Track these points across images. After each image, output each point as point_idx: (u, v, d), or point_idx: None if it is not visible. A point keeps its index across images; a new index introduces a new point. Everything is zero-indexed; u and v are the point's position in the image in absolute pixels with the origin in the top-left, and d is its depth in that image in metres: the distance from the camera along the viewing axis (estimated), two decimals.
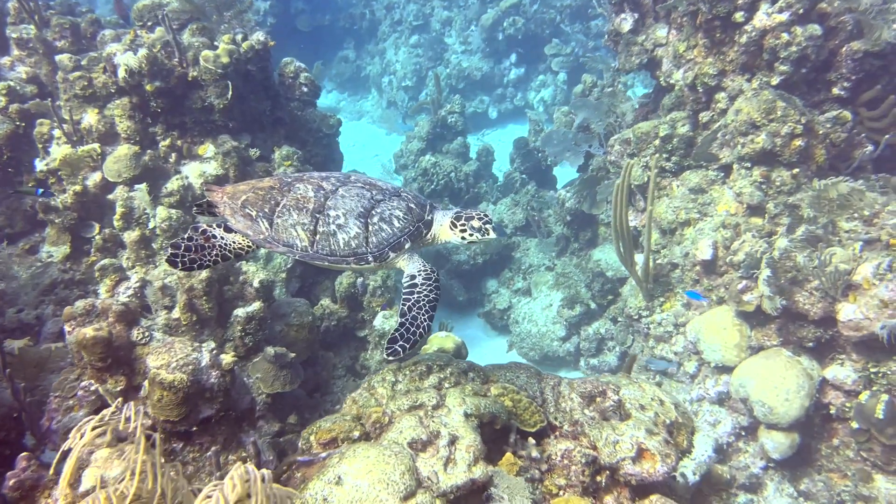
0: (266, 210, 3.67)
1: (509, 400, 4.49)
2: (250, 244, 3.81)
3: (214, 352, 4.58)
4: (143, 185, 6.50)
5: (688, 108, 8.66)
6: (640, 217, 9.22)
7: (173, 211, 6.70)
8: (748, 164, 7.86)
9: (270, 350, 5.98)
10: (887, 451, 6.49)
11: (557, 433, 4.65)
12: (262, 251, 6.83)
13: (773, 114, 7.60)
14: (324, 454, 3.98)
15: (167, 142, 7.48)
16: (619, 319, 9.24)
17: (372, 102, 23.63)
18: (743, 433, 7.56)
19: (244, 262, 6.61)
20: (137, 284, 6.06)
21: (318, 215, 3.62)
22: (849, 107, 7.99)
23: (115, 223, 6.59)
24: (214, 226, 3.88)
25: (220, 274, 6.10)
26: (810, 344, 6.93)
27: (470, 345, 8.75)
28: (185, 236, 3.81)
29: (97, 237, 6.72)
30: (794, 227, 7.33)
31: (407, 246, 3.74)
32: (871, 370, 6.59)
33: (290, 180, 3.81)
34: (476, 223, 3.83)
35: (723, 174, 8.37)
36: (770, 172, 7.78)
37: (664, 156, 8.64)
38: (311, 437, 4.11)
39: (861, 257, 6.68)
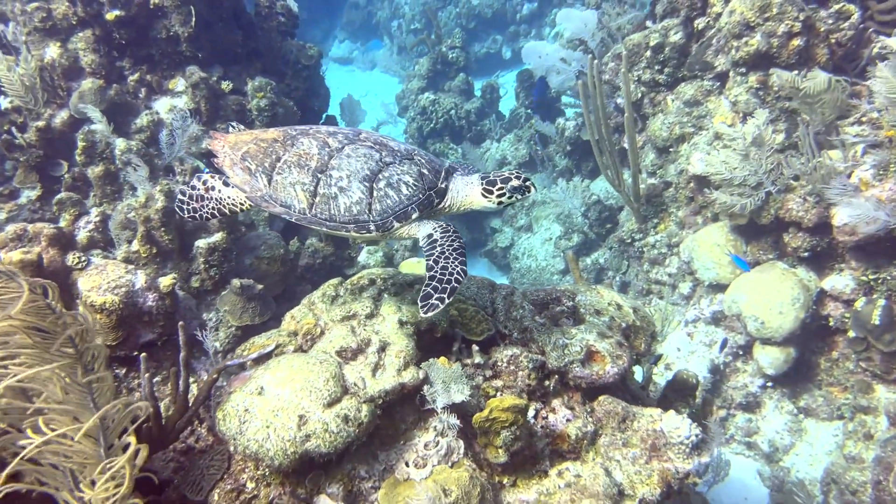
0: (266, 165, 3.43)
1: (454, 309, 4.32)
2: (244, 201, 3.57)
3: (151, 275, 4.47)
4: (97, 113, 6.34)
5: (682, 14, 8.11)
6: (638, 137, 8.79)
7: (132, 142, 6.58)
8: (743, 70, 7.34)
9: (237, 282, 5.88)
10: (886, 358, 6.13)
11: (507, 341, 4.47)
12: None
13: (768, 11, 7.03)
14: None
15: (136, 76, 7.34)
16: (612, 246, 8.91)
17: (385, 50, 23.10)
18: (740, 352, 7.26)
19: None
20: (98, 218, 6.00)
21: (319, 175, 3.35)
22: (856, 0, 7.35)
23: (77, 158, 6.51)
24: (217, 177, 3.66)
25: None
26: (805, 254, 6.53)
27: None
28: (190, 184, 3.69)
29: (66, 175, 6.66)
30: (793, 132, 6.85)
31: (414, 216, 3.41)
32: (871, 277, 6.18)
33: (295, 133, 3.54)
34: (515, 182, 3.47)
35: (719, 83, 7.86)
36: (767, 77, 7.25)
37: (656, 67, 8.14)
38: (244, 353, 4.01)
39: (862, 160, 6.21)
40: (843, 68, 7.44)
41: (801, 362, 6.88)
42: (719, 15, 7.72)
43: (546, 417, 4.20)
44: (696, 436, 3.92)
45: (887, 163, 5.74)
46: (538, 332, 4.43)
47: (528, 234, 11.10)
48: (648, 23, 8.90)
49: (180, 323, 3.62)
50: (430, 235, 3.42)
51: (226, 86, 7.74)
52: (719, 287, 7.36)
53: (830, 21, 7.14)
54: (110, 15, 6.79)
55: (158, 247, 5.80)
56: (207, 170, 4.84)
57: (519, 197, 3.52)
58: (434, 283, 3.16)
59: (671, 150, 8.18)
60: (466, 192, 3.54)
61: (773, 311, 6.53)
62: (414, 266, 6.38)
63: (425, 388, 3.71)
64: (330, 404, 3.47)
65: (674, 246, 7.95)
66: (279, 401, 3.44)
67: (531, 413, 4.13)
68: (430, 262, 3.26)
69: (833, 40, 7.23)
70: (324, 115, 9.69)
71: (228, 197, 3.61)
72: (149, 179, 6.56)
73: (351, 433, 3.42)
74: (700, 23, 8.00)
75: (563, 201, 9.75)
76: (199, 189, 3.68)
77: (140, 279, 4.37)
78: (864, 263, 6.27)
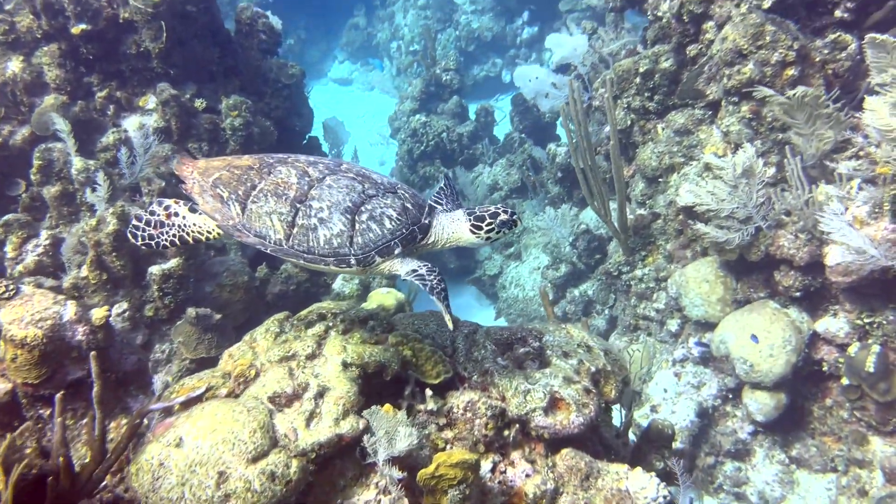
0: (240, 193, 3.25)
1: (408, 349, 3.96)
2: (211, 230, 3.39)
3: (100, 302, 4.14)
4: (65, 127, 6.06)
5: (673, 40, 7.85)
6: (629, 166, 8.50)
7: (91, 161, 6.29)
8: (735, 99, 7.05)
9: (192, 311, 5.56)
10: (881, 409, 5.75)
11: (466, 385, 4.12)
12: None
13: (761, 39, 6.76)
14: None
15: (104, 92, 7.08)
16: (600, 278, 8.56)
17: (384, 71, 22.98)
18: (729, 396, 6.87)
19: None
20: (48, 242, 5.69)
21: (298, 205, 3.19)
22: (854, 31, 7.08)
23: (33, 177, 6.22)
24: (182, 203, 3.47)
25: None
26: (798, 293, 6.17)
27: (461, 314, 8.18)
28: (148, 209, 3.48)
29: (24, 195, 6.38)
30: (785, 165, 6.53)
31: (397, 251, 3.28)
32: (866, 320, 5.81)
33: (272, 161, 3.38)
34: (504, 216, 3.37)
35: (710, 112, 7.57)
36: (760, 107, 6.95)
37: (646, 94, 7.86)
38: (173, 395, 3.66)
39: (857, 196, 5.88)
40: (839, 100, 7.16)
41: (794, 409, 6.49)
42: (712, 42, 7.45)
43: (504, 472, 3.84)
44: (665, 497, 3.55)
45: (881, 200, 5.40)
46: (499, 375, 4.07)
47: (516, 262, 10.77)
48: (640, 48, 8.65)
49: (92, 353, 3.29)
50: (415, 271, 3.29)
51: (199, 104, 7.48)
52: (708, 325, 6.99)
53: (826, 51, 6.86)
54: (76, 29, 6.55)
55: (109, 273, 5.48)
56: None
57: (507, 231, 3.44)
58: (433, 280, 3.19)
59: (661, 180, 7.87)
60: (453, 229, 3.44)
61: (762, 353, 6.16)
62: (383, 297, 6.03)
63: (365, 438, 3.35)
64: (255, 459, 3.12)
65: (662, 280, 7.60)
66: (198, 454, 3.09)
67: (488, 467, 3.78)
68: (423, 285, 3.21)
69: (829, 71, 6.94)
70: (307, 136, 9.43)
71: (194, 224, 3.42)
72: (110, 200, 6.28)
73: (277, 492, 3.06)
74: (692, 50, 7.74)
75: (551, 230, 9.43)
76: (158, 215, 3.47)
77: (69, 311, 4.04)
78: (858, 306, 5.91)
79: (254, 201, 3.24)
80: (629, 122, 8.20)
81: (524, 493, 3.67)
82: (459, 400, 3.88)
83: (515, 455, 3.87)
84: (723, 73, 7.06)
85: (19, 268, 5.60)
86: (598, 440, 4.51)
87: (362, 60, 23.83)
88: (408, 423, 3.29)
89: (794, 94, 6.03)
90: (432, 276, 3.25)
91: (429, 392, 3.81)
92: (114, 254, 5.44)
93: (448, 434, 3.66)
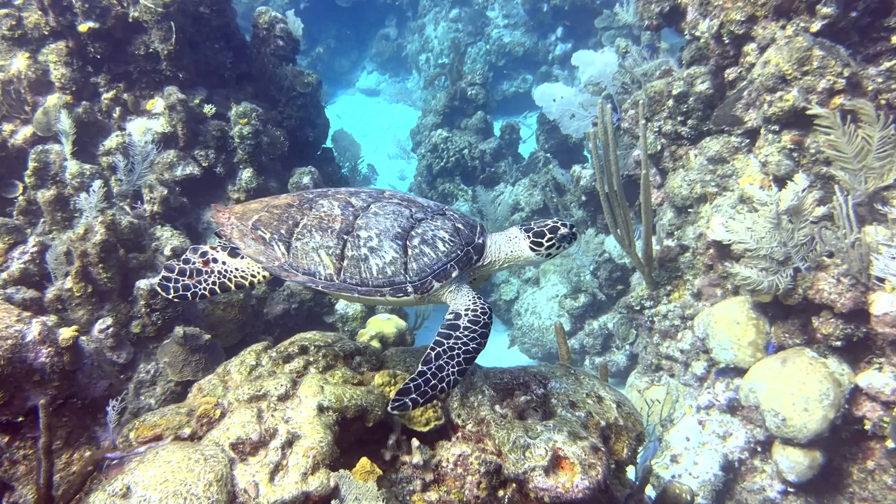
0: (282, 232, 3.14)
1: (395, 392, 3.53)
2: (257, 273, 3.26)
3: (50, 324, 3.79)
4: (69, 129, 5.78)
5: (711, 62, 7.36)
6: (657, 193, 8.01)
7: (87, 166, 6.00)
8: (776, 128, 6.53)
9: (180, 330, 5.21)
10: None
11: (459, 434, 3.67)
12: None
13: (807, 64, 6.26)
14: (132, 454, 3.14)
15: (111, 94, 6.83)
16: (621, 311, 8.04)
17: (412, 83, 22.74)
18: (759, 449, 6.30)
19: (159, 225, 5.87)
20: (35, 249, 5.39)
21: (345, 237, 3.06)
22: None
23: (27, 180, 5.95)
24: (219, 248, 3.34)
25: (126, 238, 5.36)
26: (838, 343, 5.61)
27: None
28: (182, 258, 3.31)
29: (20, 198, 6.11)
30: (828, 201, 6.00)
31: (454, 274, 3.10)
32: None
33: (311, 196, 3.27)
34: (564, 230, 3.25)
35: (748, 141, 7.06)
36: (803, 137, 6.43)
37: (679, 118, 7.38)
38: (132, 434, 3.27)
39: None
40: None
41: (830, 468, 5.90)
42: (752, 66, 6.96)
43: None
44: None
45: None
46: (497, 426, 3.61)
47: (534, 287, 10.28)
48: (675, 69, 8.18)
49: (40, 402, 2.92)
50: (456, 315, 3.07)
51: (208, 109, 7.19)
52: (737, 371, 6.44)
53: (880, 80, 6.33)
54: (83, 27, 6.30)
55: (95, 285, 5.16)
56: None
57: (567, 245, 3.32)
58: (420, 379, 2.82)
59: (691, 210, 7.36)
60: (510, 248, 3.28)
61: (796, 406, 5.60)
62: (382, 324, 5.62)
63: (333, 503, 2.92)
64: None
65: (688, 318, 7.07)
66: None
67: None
68: (431, 354, 2.91)
69: (883, 101, 6.40)
70: (321, 147, 9.11)
71: (237, 269, 3.28)
72: (109, 206, 5.99)
73: None
74: (731, 73, 7.25)
75: (572, 256, 8.94)
76: (194, 262, 3.29)
77: (34, 330, 3.68)
78: None
79: (298, 238, 3.10)
80: (659, 147, 7.72)
81: None
82: (450, 453, 3.45)
83: None
84: (763, 100, 6.55)
85: (3, 275, 5.30)
86: (607, 502, 4.02)
87: (391, 72, 23.64)
88: (378, 496, 2.83)
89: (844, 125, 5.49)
90: (468, 331, 2.98)
91: (415, 443, 3.37)
92: (100, 265, 5.12)
93: (433, 496, 3.20)
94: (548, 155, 12.62)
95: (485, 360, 4.18)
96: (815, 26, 6.54)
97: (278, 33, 8.16)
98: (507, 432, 3.56)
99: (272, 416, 3.11)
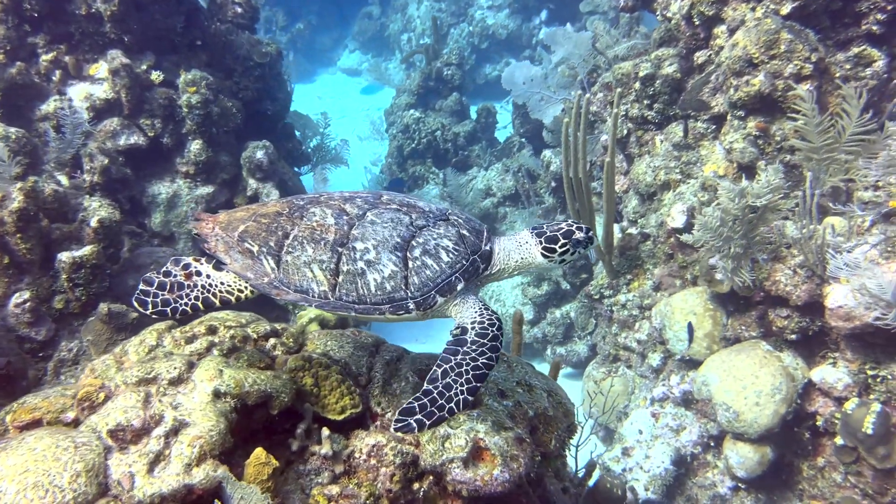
0: (272, 244, 2.88)
1: (310, 377, 3.30)
2: (244, 288, 3.01)
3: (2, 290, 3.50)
4: None
5: (681, 44, 7.13)
6: (623, 180, 7.79)
7: (12, 130, 5.65)
8: (742, 114, 6.32)
9: (104, 307, 4.94)
10: (879, 476, 5.01)
11: (378, 423, 3.46)
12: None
13: (775, 48, 6.04)
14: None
15: (50, 56, 6.49)
16: (582, 300, 7.85)
17: (394, 64, 22.32)
18: (711, 443, 6.15)
19: (87, 195, 5.57)
20: None
21: (340, 249, 2.81)
22: (884, 47, 6.36)
23: None
24: (203, 260, 3.06)
25: (50, 207, 5.06)
26: (793, 336, 5.45)
27: (439, 333, 7.49)
28: (163, 270, 3.02)
29: None
30: (792, 191, 5.81)
31: (460, 287, 2.85)
32: (869, 373, 5.09)
33: (302, 203, 3.00)
34: (579, 235, 2.97)
35: (714, 127, 6.85)
36: (769, 124, 6.24)
37: (646, 102, 7.15)
38: (8, 418, 3.01)
39: (870, 230, 5.16)
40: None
41: (781, 465, 5.76)
42: (722, 49, 6.73)
43: None
44: None
45: (894, 238, 4.68)
46: None
47: None
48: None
49: None
50: (462, 329, 2.82)
51: (156, 76, 6.87)
52: (693, 363, 6.27)
53: (848, 66, 6.14)
54: None
55: (13, 257, 4.86)
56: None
57: (582, 251, 3.03)
58: (425, 399, 2.58)
59: (655, 197, 7.15)
60: (521, 254, 3.00)
61: (748, 400, 5.44)
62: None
63: (226, 496, 2.69)
64: None
65: (646, 308, 6.89)
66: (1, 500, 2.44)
67: None
68: (437, 372, 2.67)
69: (842, 89, 6.20)
70: (281, 122, 8.79)
71: (222, 283, 3.02)
72: (49, 173, 5.68)
73: None
74: (700, 56, 7.01)
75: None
76: (175, 275, 3.01)
77: None
78: (861, 355, 5.18)
79: (289, 252, 2.85)
80: (626, 132, 7.49)
81: None
82: (364, 443, 3.23)
83: None
84: (730, 84, 6.34)
85: None
86: (538, 497, 3.83)
87: (374, 51, 23.19)
88: (262, 499, 2.58)
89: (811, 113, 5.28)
90: (476, 345, 2.73)
91: (325, 432, 3.14)
92: (18, 235, 4.82)
93: (334, 489, 2.98)
94: (523, 140, 12.36)
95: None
96: (786, 9, 6.32)
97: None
98: None
99: (160, 401, 2.86)
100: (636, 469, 6.19)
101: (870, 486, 5.11)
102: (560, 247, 2.94)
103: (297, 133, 9.35)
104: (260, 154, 7.36)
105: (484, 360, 2.68)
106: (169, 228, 7.09)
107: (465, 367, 2.66)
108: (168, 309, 2.95)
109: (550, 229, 2.97)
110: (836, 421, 5.28)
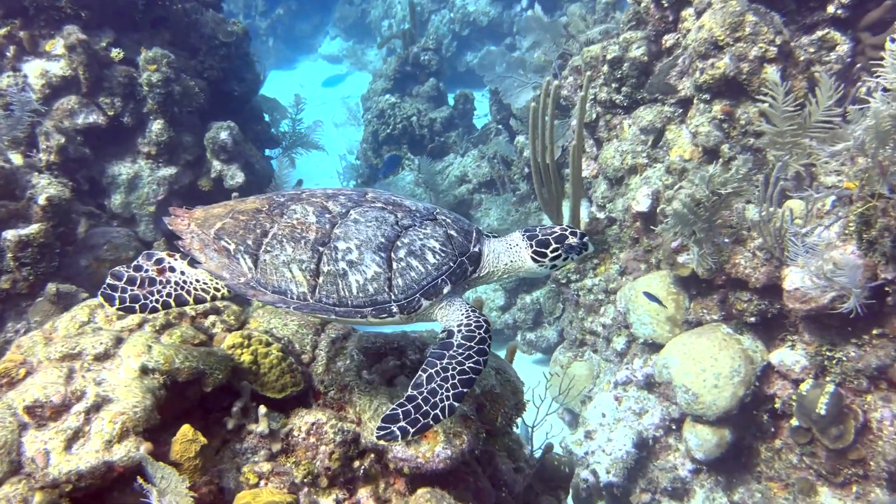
0: (249, 242, 2.75)
1: (249, 354, 3.24)
2: (221, 287, 2.84)
3: None
4: None
5: (649, 27, 7.08)
6: (593, 165, 7.76)
7: None
8: (707, 97, 6.30)
9: (52, 287, 4.84)
10: (832, 457, 5.03)
11: (321, 401, 3.42)
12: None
13: (739, 31, 6.01)
14: None
15: (4, 30, 6.32)
16: (551, 285, 7.82)
17: (374, 52, 22.08)
18: (673, 426, 6.15)
19: (36, 172, 5.44)
20: None
21: (321, 248, 2.69)
22: (847, 31, 6.34)
23: None
24: (178, 256, 2.91)
25: None
26: (752, 318, 5.46)
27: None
28: (134, 264, 2.85)
29: None
30: (755, 174, 5.79)
31: (446, 290, 2.73)
32: (826, 354, 5.10)
33: (283, 199, 2.88)
34: (572, 241, 2.84)
35: (682, 110, 6.82)
36: (734, 108, 6.21)
37: (614, 85, 7.10)
38: None
39: (830, 213, 5.16)
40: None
41: (741, 447, 5.78)
42: (689, 31, 6.69)
43: None
44: None
45: (850, 221, 4.67)
46: (360, 392, 3.37)
47: None
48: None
49: None
50: (449, 333, 2.70)
51: (116, 54, 6.72)
52: (656, 346, 6.27)
53: (812, 50, 6.13)
54: None
55: None
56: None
57: (575, 257, 2.90)
58: (409, 405, 2.47)
59: (623, 182, 7.12)
60: (511, 257, 2.89)
61: (707, 382, 5.44)
62: None
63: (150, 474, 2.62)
64: None
65: (611, 293, 6.87)
66: None
67: None
68: (423, 377, 2.55)
69: (816, 73, 6.19)
70: (248, 103, 8.66)
71: (197, 281, 2.85)
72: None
73: None
74: (669, 39, 6.98)
75: (509, 230, 8.68)
76: (147, 270, 2.84)
77: None
78: (818, 338, 5.19)
79: (267, 250, 2.73)
80: (594, 116, 7.45)
81: None
82: (303, 421, 3.18)
83: (363, 493, 3.17)
84: (695, 67, 6.31)
85: None
86: (488, 475, 3.79)
87: (356, 38, 22.92)
88: (181, 480, 2.50)
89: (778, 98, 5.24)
90: (463, 348, 2.62)
91: (262, 410, 3.09)
92: None
93: (265, 467, 2.92)
94: (499, 126, 12.29)
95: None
96: None
97: None
98: (370, 399, 3.32)
99: (83, 377, 2.78)
100: (598, 452, 6.19)
101: (823, 467, 5.14)
102: (551, 252, 2.83)
103: (266, 116, 9.21)
104: (224, 135, 7.23)
105: (471, 365, 2.58)
106: (130, 210, 6.96)
107: (450, 372, 2.56)
108: (137, 305, 2.78)
109: (543, 233, 2.86)
110: (794, 403, 5.30)
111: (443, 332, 2.74)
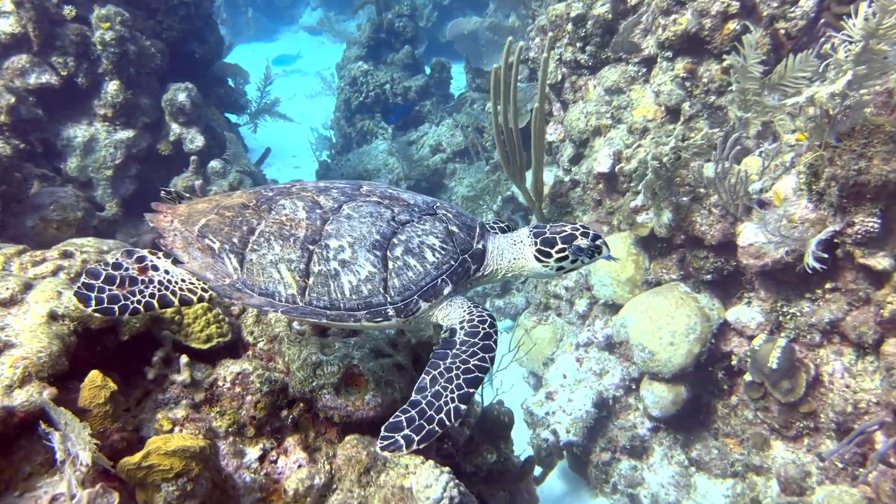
0: (235, 241, 2.58)
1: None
2: (206, 288, 2.64)
3: None
4: None
5: None
6: (559, 128, 7.66)
7: None
8: (670, 54, 6.20)
9: None
10: (784, 410, 5.05)
11: (250, 352, 3.37)
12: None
13: None
14: None
15: None
16: None
17: (357, 23, 21.72)
18: (633, 386, 6.15)
19: None
20: None
21: (311, 247, 2.51)
22: None
23: None
24: (160, 253, 2.70)
25: None
26: (708, 276, 5.43)
27: None
28: (112, 262, 2.62)
29: None
30: (715, 133, 5.72)
31: (447, 290, 2.54)
32: (781, 310, 5.08)
33: (271, 194, 2.69)
34: (582, 242, 2.59)
35: (645, 70, 6.72)
36: (697, 66, 6.12)
37: (578, 45, 6.98)
38: None
39: (786, 172, 5.10)
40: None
41: (698, 405, 5.79)
42: None
43: (275, 461, 3.10)
44: (452, 499, 2.83)
45: (805, 175, 4.61)
46: (290, 342, 3.32)
47: None
48: None
49: None
50: (452, 331, 2.51)
51: (68, 11, 6.54)
52: (616, 307, 6.24)
53: (775, 5, 6.01)
54: None
55: None
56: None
57: (586, 260, 2.65)
58: (414, 411, 2.27)
59: (588, 144, 7.04)
60: (514, 254, 2.68)
61: (663, 340, 5.43)
62: None
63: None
64: None
65: None
66: None
67: (254, 455, 3.05)
68: (426, 379, 2.36)
69: (780, 29, 6.09)
70: (211, 66, 8.49)
71: (182, 280, 2.64)
72: None
73: None
74: None
75: (479, 197, 8.62)
76: (127, 269, 2.61)
77: None
78: (774, 294, 5.17)
79: (254, 249, 2.56)
80: (560, 77, 7.34)
81: (283, 489, 2.94)
82: (228, 371, 3.14)
83: (291, 441, 3.14)
84: (658, 24, 6.19)
85: None
86: None
87: (336, 9, 22.54)
88: (82, 426, 2.41)
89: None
90: (466, 345, 2.43)
91: (183, 359, 3.04)
92: None
93: (179, 413, 2.87)
94: (475, 93, 12.13)
95: None
96: None
97: None
98: (299, 349, 3.28)
99: None
100: (559, 412, 6.19)
101: (776, 421, 5.16)
102: (557, 252, 2.61)
103: (230, 80, 9.03)
104: (182, 96, 7.09)
105: (476, 363, 2.38)
106: (86, 174, 6.84)
107: (455, 373, 2.37)
108: (116, 306, 2.52)
109: (551, 231, 2.65)
110: (748, 359, 5.29)
111: (445, 331, 2.56)
